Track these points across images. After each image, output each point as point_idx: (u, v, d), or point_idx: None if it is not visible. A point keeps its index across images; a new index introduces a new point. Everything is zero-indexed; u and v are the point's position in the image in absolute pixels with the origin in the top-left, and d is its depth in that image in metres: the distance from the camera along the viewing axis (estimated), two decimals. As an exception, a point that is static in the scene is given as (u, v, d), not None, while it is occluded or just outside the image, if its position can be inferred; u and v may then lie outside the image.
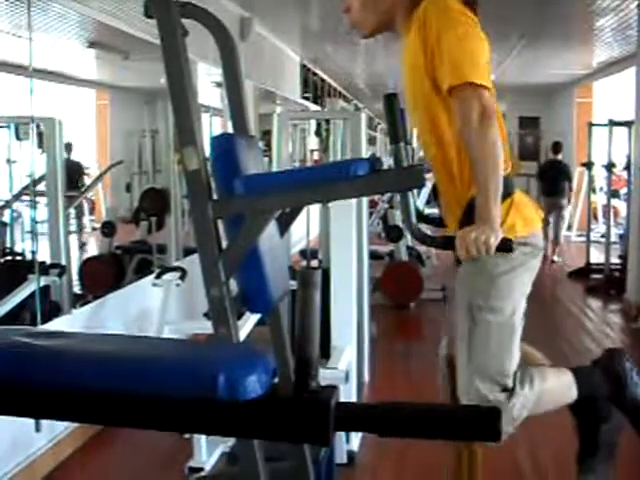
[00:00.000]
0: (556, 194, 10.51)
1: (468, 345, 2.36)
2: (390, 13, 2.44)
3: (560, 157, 11.00)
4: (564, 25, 8.34)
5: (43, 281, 4.07)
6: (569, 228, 12.81)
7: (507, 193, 2.26)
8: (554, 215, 10.44)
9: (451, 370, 2.51)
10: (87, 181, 6.59)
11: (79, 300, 4.76)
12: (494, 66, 12.08)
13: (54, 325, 3.92)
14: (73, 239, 5.61)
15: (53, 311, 4.21)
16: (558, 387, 2.51)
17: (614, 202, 10.18)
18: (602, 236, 10.06)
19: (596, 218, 12.16)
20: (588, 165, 9.65)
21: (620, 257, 8.67)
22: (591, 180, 10.11)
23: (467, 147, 2.18)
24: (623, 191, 10.79)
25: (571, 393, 2.51)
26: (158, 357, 1.28)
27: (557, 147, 11.04)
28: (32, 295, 3.95)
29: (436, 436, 1.29)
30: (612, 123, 8.97)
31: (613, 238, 9.41)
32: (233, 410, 1.18)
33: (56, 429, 3.84)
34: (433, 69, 2.25)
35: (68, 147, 6.45)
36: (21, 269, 4.38)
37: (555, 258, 10.52)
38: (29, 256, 4.64)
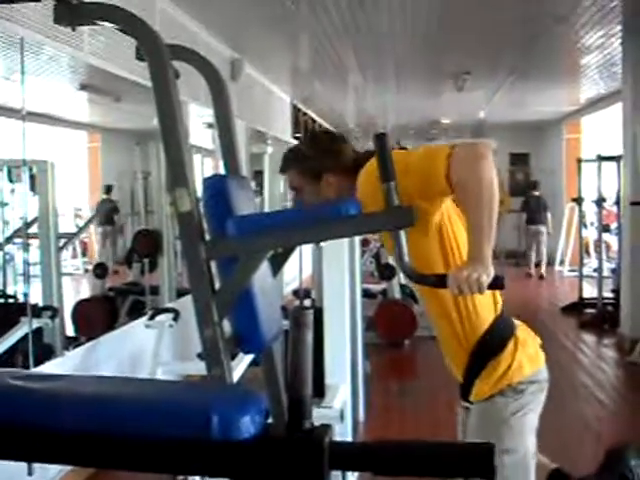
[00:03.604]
0: (537, 222, 13.07)
1: None
2: (338, 191, 2.30)
3: (537, 193, 13.33)
4: (551, 62, 8.44)
5: (35, 323, 4.06)
6: (561, 263, 12.94)
7: (510, 332, 2.29)
8: (536, 240, 13.10)
9: None
10: (115, 217, 6.67)
11: (72, 342, 4.74)
12: (484, 103, 12.37)
13: (47, 368, 3.89)
14: (66, 280, 5.60)
15: (46, 353, 4.19)
16: None
17: (605, 237, 10.22)
18: (594, 270, 10.07)
19: (588, 253, 12.22)
20: (578, 200, 9.69)
21: (613, 291, 8.67)
22: (582, 215, 10.14)
23: (462, 184, 2.04)
24: (614, 225, 10.83)
25: None
26: (151, 398, 1.27)
27: (535, 185, 13.67)
28: (24, 338, 3.93)
29: (431, 474, 1.28)
30: (600, 158, 9.03)
31: (605, 272, 9.42)
32: (226, 450, 1.18)
33: (48, 473, 3.80)
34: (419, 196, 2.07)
35: (108, 188, 6.53)
36: (13, 311, 4.36)
37: (543, 272, 12.91)
38: (21, 298, 4.63)
